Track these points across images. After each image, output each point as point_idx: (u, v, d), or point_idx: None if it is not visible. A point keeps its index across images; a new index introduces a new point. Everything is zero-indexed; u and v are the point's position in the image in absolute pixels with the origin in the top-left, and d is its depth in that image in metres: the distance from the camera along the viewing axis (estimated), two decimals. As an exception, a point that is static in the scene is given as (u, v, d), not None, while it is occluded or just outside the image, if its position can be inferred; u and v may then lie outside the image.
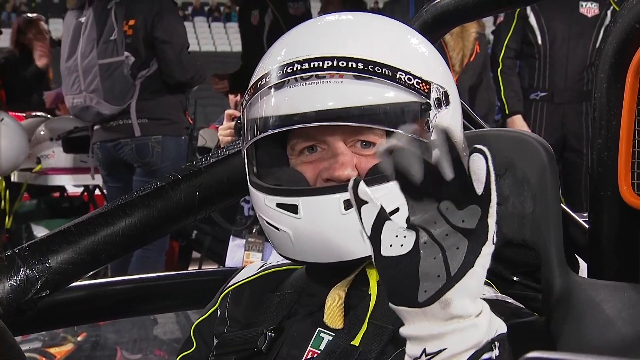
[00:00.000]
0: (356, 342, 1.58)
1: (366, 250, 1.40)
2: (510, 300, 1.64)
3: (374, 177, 1.55)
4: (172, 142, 5.15)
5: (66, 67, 5.05)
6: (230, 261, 4.37)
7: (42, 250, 1.93)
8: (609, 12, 6.48)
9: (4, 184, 6.23)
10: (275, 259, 4.16)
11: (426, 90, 1.57)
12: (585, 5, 6.37)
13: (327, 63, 1.53)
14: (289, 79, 1.55)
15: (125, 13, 4.96)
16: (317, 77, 1.54)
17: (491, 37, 8.00)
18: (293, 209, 1.57)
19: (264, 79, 1.55)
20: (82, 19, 4.96)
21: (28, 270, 1.90)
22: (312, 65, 1.54)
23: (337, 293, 1.67)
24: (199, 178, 2.08)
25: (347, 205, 1.54)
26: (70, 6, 5.29)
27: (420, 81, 1.56)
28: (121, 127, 5.01)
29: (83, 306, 2.26)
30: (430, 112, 1.58)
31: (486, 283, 1.57)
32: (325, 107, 1.54)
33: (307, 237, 1.59)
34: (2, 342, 1.54)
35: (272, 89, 1.56)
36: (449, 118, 1.62)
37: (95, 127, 5.18)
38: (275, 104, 1.57)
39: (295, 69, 1.55)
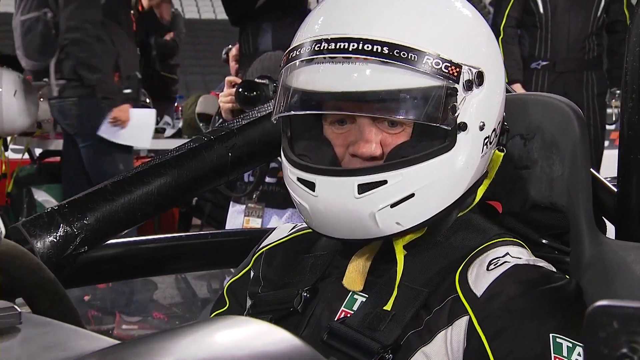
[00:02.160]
0: (388, 306, 1.61)
1: (378, 232, 1.58)
2: (542, 263, 1.65)
3: (394, 162, 1.58)
4: (91, 105, 5.13)
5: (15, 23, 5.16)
6: (230, 227, 4.39)
7: (80, 207, 1.97)
8: None
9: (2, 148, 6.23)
10: (274, 224, 4.22)
11: (455, 74, 1.58)
12: None
13: (353, 45, 1.55)
14: (317, 57, 1.58)
15: None
16: (344, 58, 1.57)
17: (490, 8, 8.03)
18: (311, 186, 1.60)
19: (298, 51, 1.58)
20: None
21: (67, 227, 1.94)
22: (338, 47, 1.56)
23: (360, 258, 1.71)
24: (232, 139, 2.10)
25: (361, 189, 1.56)
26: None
27: (449, 64, 1.57)
28: (42, 86, 5.18)
29: (118, 263, 2.31)
30: (457, 95, 1.60)
31: (521, 245, 1.67)
32: (347, 90, 1.57)
33: (322, 214, 1.63)
34: (55, 294, 1.55)
35: (304, 63, 1.59)
36: (481, 99, 1.63)
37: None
38: (304, 79, 1.60)
39: (322, 48, 1.56)
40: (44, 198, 6.13)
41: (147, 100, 6.80)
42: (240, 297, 1.93)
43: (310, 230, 1.82)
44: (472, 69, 1.59)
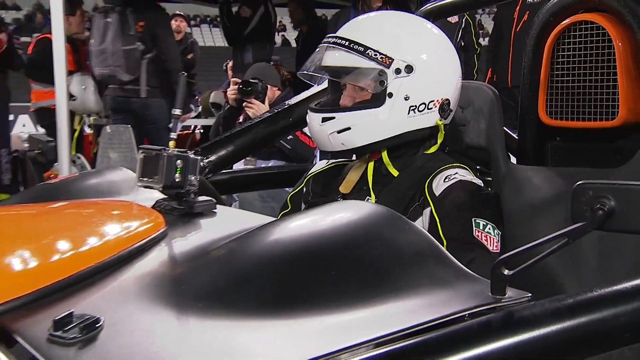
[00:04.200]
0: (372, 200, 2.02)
1: (332, 147, 2.04)
2: (476, 180, 2.03)
3: (341, 107, 2.06)
4: (162, 102, 6.29)
5: (97, 50, 6.29)
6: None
7: (208, 148, 2.50)
8: (463, 20, 6.93)
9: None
10: None
11: (387, 63, 1.98)
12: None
13: (335, 40, 2.02)
14: (325, 44, 2.06)
15: (136, 17, 6.22)
16: (329, 45, 2.04)
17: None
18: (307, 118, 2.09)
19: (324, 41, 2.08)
20: (109, 19, 6.19)
21: (201, 162, 2.21)
22: (328, 40, 2.04)
23: (354, 170, 2.14)
24: (292, 110, 2.61)
25: (323, 120, 2.03)
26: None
27: (383, 56, 1.97)
28: (133, 90, 6.23)
29: (225, 183, 2.66)
30: (386, 75, 1.99)
31: (466, 169, 2.07)
32: (325, 64, 2.06)
33: (313, 134, 2.10)
34: (206, 189, 2.02)
35: (322, 46, 2.08)
36: (408, 81, 2.00)
37: (110, 86, 6.41)
38: (314, 55, 2.11)
39: (327, 41, 2.05)
40: (115, 154, 6.92)
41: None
42: (296, 203, 2.27)
43: (340, 162, 2.26)
44: (403, 62, 1.99)
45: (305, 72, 2.12)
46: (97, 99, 6.88)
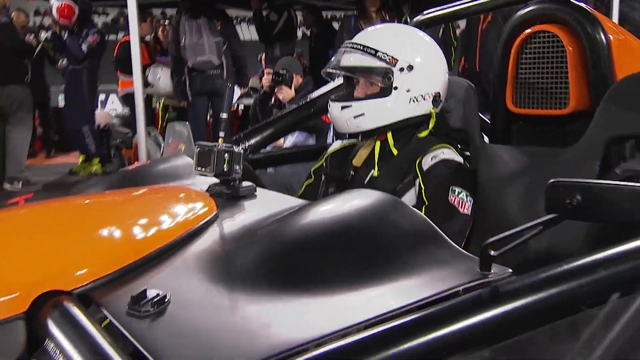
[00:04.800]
0: (375, 174, 1.98)
1: (349, 130, 1.99)
2: (458, 158, 1.96)
3: (356, 98, 1.99)
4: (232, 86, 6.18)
5: (193, 43, 6.19)
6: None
7: (248, 134, 2.41)
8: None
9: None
10: (289, 139, 4.81)
11: (393, 62, 1.93)
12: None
13: (352, 45, 1.97)
14: (343, 49, 2.00)
15: (216, 20, 6.30)
16: (348, 49, 1.98)
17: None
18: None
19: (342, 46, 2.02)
20: (199, 21, 6.21)
21: (242, 144, 2.38)
22: (348, 46, 1.98)
23: (364, 148, 2.07)
24: (313, 103, 2.50)
25: (342, 108, 1.97)
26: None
27: (390, 57, 1.93)
28: (217, 75, 6.21)
29: (263, 161, 2.53)
30: (393, 73, 1.93)
31: (451, 148, 1.99)
32: (343, 64, 1.99)
33: (334, 120, 2.03)
34: (249, 173, 1.93)
35: (340, 51, 2.01)
36: (409, 77, 1.95)
37: (197, 72, 6.33)
38: (336, 57, 2.03)
39: (345, 46, 1.99)
40: (180, 128, 6.95)
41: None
42: (317, 175, 2.22)
43: (350, 142, 2.18)
44: (405, 62, 1.93)
45: (328, 70, 2.06)
46: (166, 85, 6.75)
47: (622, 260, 1.06)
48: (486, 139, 2.24)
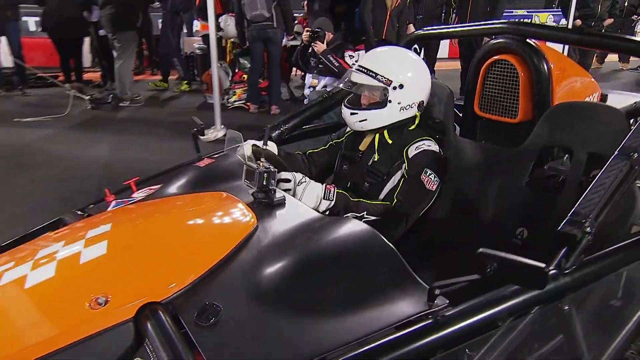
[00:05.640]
0: (376, 158, 1.94)
1: (355, 127, 1.93)
2: (436, 148, 1.92)
3: (361, 108, 1.91)
4: (281, 30, 6.00)
5: (249, 0, 5.82)
6: (307, 82, 4.89)
7: (285, 120, 2.28)
8: None
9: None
10: (322, 82, 4.83)
11: (388, 83, 1.88)
12: None
13: (361, 69, 1.90)
14: (354, 70, 1.93)
15: None
16: (358, 70, 1.91)
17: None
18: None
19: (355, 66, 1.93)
20: None
21: (280, 129, 2.23)
22: (357, 67, 1.91)
23: (367, 137, 2.01)
24: (332, 97, 2.41)
25: (351, 113, 1.93)
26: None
27: (386, 79, 1.87)
28: (269, 25, 5.84)
29: (296, 137, 2.32)
30: (388, 90, 1.88)
31: (432, 140, 1.91)
32: (353, 80, 1.92)
33: (344, 119, 1.96)
34: (273, 159, 1.78)
35: (352, 70, 1.94)
36: (400, 93, 1.89)
37: (254, 23, 5.98)
38: (349, 75, 1.94)
39: (356, 67, 1.92)
40: (243, 61, 6.75)
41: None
42: (334, 148, 2.13)
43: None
44: (398, 82, 1.88)
45: (342, 82, 2.00)
46: (233, 31, 6.55)
47: (513, 298, 1.10)
48: (458, 130, 2.18)
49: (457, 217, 1.85)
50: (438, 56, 7.09)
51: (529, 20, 13.27)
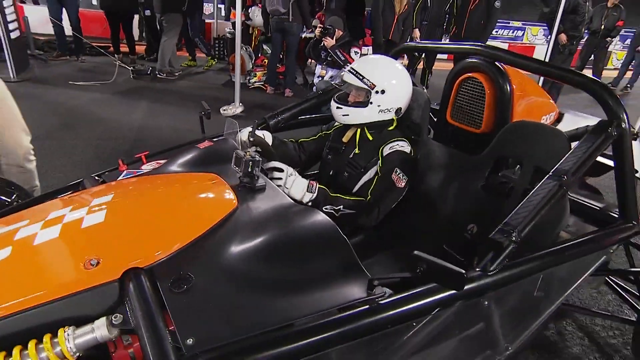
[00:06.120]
0: (357, 151, 1.88)
1: (340, 121, 1.83)
2: (408, 149, 1.83)
3: (347, 104, 1.82)
4: (298, 23, 5.76)
5: None
6: (317, 72, 4.90)
7: (282, 111, 2.09)
8: None
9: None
10: (330, 73, 4.79)
11: (372, 87, 1.80)
12: None
13: (351, 70, 1.81)
14: (347, 69, 1.84)
15: None
16: (348, 72, 1.83)
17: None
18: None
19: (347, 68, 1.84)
20: None
21: (276, 118, 2.07)
22: (349, 69, 1.82)
23: (350, 131, 1.93)
24: (328, 92, 2.21)
25: (337, 109, 1.83)
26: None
27: (370, 83, 1.79)
28: (285, 18, 5.62)
29: (291, 125, 2.19)
30: (371, 93, 1.80)
31: (406, 141, 1.83)
32: (344, 80, 1.83)
33: (332, 112, 1.87)
34: (264, 147, 1.73)
35: (345, 71, 1.85)
36: (381, 97, 1.81)
37: (274, 17, 5.79)
38: (341, 73, 1.88)
39: (348, 69, 1.83)
40: (265, 47, 6.66)
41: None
42: (324, 139, 2.04)
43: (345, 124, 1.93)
44: (380, 87, 1.80)
45: (336, 81, 1.95)
46: (260, 21, 6.41)
47: (440, 292, 1.09)
48: (432, 133, 2.13)
49: (422, 210, 1.83)
50: (438, 56, 7.08)
51: (522, 32, 12.95)
